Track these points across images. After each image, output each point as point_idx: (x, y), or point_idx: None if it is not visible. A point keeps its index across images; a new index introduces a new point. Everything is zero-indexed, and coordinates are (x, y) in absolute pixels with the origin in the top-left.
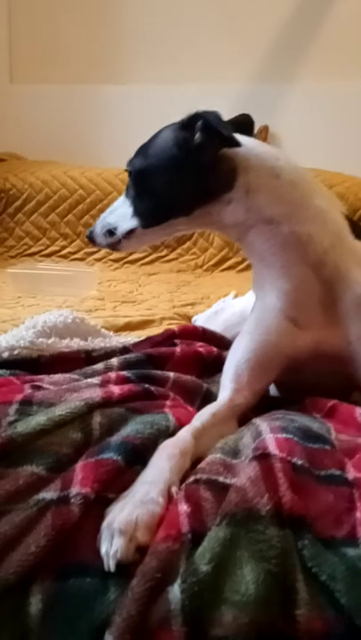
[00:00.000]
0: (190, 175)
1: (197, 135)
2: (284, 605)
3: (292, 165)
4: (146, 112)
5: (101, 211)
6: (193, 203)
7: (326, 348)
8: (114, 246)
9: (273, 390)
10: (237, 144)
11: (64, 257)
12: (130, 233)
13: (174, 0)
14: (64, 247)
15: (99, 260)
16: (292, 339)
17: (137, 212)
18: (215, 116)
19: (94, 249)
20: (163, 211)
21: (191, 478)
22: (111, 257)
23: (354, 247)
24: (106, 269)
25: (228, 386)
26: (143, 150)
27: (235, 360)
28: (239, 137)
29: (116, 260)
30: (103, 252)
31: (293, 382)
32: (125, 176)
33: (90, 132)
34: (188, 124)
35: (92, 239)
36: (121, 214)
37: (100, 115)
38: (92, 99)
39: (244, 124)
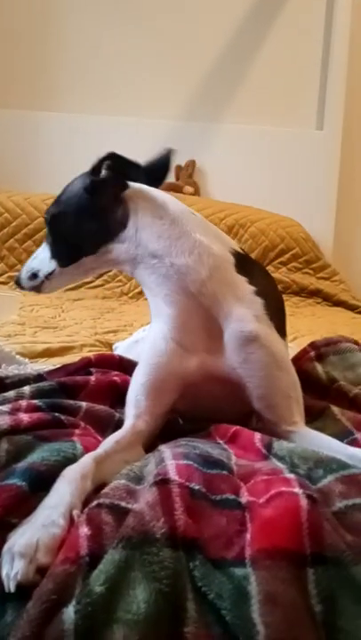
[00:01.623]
0: (94, 216)
1: (103, 172)
2: (174, 623)
3: (179, 209)
4: (75, 140)
5: (27, 235)
6: (97, 242)
7: (213, 371)
8: (37, 288)
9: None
10: (126, 186)
11: None
12: (50, 275)
13: (111, 33)
14: None
15: None
16: (179, 360)
17: (54, 255)
18: (122, 157)
19: (17, 272)
20: (74, 251)
21: (94, 502)
22: None
23: (233, 280)
24: (29, 293)
25: (129, 413)
26: (57, 199)
27: (133, 387)
28: (136, 185)
29: None
30: None
31: (194, 410)
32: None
33: (18, 158)
34: (99, 164)
35: (19, 284)
36: (42, 259)
37: (29, 140)
38: (21, 124)
39: (162, 160)
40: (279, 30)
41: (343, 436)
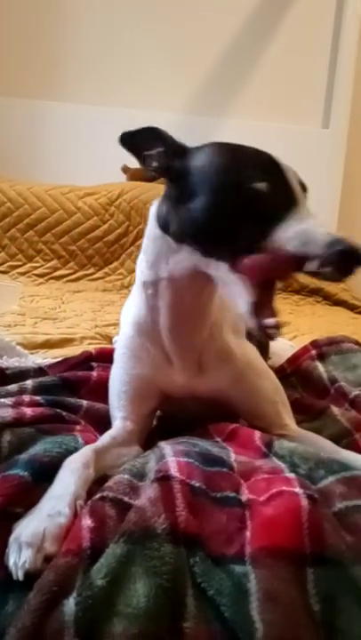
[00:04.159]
0: None
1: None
2: (173, 618)
3: None
4: (79, 131)
5: (29, 225)
6: None
7: (196, 390)
8: None
9: None
10: None
11: None
12: None
13: (119, 24)
14: None
15: (23, 274)
16: (165, 375)
17: None
18: None
19: (18, 262)
20: None
21: (98, 495)
22: (35, 272)
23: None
24: (30, 284)
25: (116, 415)
26: None
27: (114, 391)
28: None
29: (40, 275)
30: (27, 265)
31: (179, 412)
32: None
33: (21, 147)
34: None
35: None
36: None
37: (33, 130)
38: (25, 113)
39: None
40: (287, 26)
41: (343, 436)
